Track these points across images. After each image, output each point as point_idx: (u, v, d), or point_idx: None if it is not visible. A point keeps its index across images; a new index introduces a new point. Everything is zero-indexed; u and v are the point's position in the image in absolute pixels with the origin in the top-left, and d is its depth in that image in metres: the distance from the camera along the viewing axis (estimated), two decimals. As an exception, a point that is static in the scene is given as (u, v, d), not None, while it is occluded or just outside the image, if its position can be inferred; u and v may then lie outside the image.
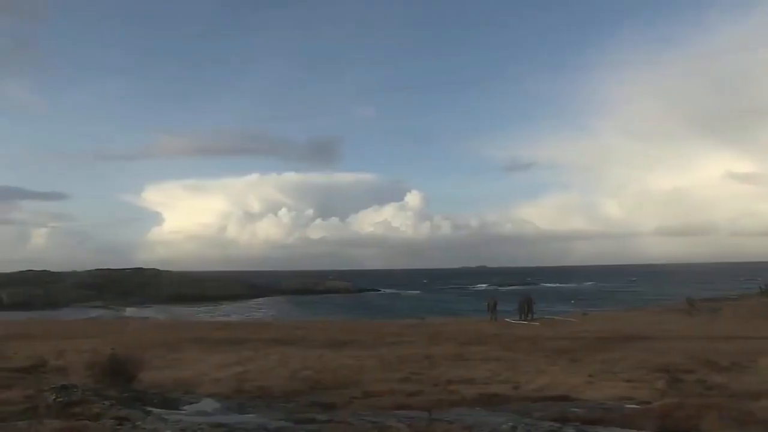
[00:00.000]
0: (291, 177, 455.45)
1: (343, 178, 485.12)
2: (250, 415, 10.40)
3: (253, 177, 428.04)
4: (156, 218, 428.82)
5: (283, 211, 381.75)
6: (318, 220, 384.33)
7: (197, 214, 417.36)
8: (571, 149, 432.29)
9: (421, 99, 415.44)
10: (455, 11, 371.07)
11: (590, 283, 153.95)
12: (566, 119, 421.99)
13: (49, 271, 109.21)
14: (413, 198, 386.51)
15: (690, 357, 21.22)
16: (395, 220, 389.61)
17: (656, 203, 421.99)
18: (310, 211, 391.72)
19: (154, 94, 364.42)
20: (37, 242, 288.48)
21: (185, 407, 10.71)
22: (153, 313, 62.53)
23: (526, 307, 41.34)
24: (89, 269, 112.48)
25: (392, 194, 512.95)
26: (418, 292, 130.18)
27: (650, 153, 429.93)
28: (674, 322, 36.14)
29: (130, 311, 71.99)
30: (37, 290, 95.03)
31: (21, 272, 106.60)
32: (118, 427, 7.66)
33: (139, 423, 8.02)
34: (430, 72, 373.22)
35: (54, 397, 9.07)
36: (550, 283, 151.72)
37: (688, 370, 18.46)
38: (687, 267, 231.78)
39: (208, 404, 11.36)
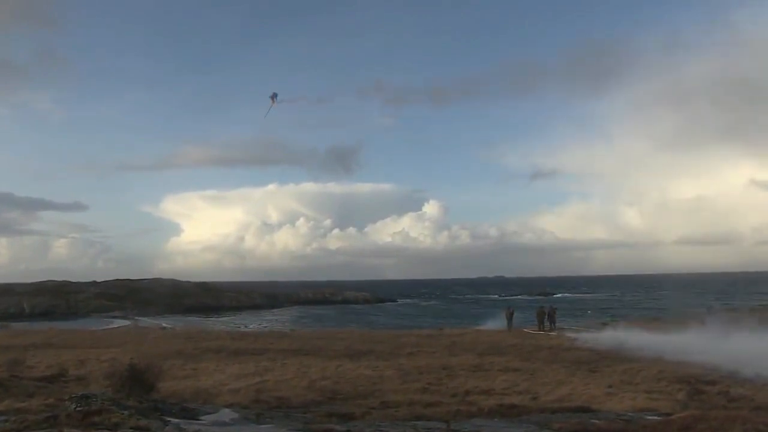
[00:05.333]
0: (309, 187, 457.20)
1: (361, 188, 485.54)
2: (268, 425, 10.41)
3: (272, 187, 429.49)
4: (175, 229, 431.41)
5: (301, 222, 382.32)
6: (336, 231, 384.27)
7: (216, 224, 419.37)
8: (591, 157, 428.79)
9: (440, 108, 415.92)
10: (475, 19, 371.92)
11: (610, 293, 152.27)
12: (587, 127, 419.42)
13: (69, 281, 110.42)
14: (431, 208, 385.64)
15: (711, 368, 20.93)
16: (413, 230, 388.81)
17: (679, 212, 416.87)
18: (327, 222, 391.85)
19: (174, 104, 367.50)
20: (58, 253, 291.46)
21: (203, 417, 10.74)
22: (172, 323, 62.86)
23: (546, 317, 41.01)
24: (109, 279, 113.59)
25: (410, 204, 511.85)
26: (437, 302, 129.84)
27: (673, 160, 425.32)
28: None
29: (148, 321, 72.41)
30: (58, 300, 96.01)
31: (42, 282, 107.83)
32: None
33: (158, 432, 8.07)
34: (449, 81, 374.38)
35: (74, 407, 9.14)
36: (569, 293, 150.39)
37: (710, 382, 18.21)
38: (710, 277, 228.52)
39: (226, 414, 11.39)
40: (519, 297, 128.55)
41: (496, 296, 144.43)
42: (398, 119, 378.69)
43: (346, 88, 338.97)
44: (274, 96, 38.23)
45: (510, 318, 41.41)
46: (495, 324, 44.19)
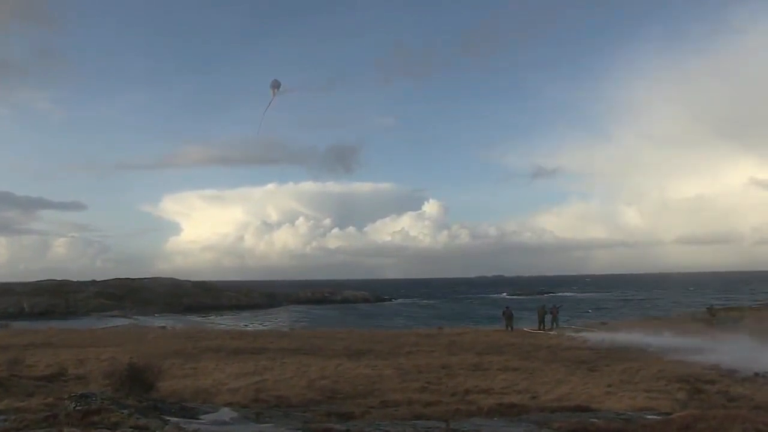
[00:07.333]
0: (308, 186, 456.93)
1: (361, 187, 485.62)
2: (268, 425, 10.41)
3: (271, 186, 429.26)
4: (174, 228, 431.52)
5: (300, 221, 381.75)
6: (335, 230, 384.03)
7: (215, 223, 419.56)
8: (592, 157, 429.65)
9: (440, 108, 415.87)
10: (475, 20, 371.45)
11: (610, 292, 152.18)
12: (587, 127, 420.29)
13: (69, 280, 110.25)
14: (431, 207, 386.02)
15: (711, 367, 20.94)
16: (413, 230, 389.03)
17: (678, 211, 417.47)
18: (327, 221, 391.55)
19: (173, 104, 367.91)
20: (58, 252, 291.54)
21: (203, 416, 10.74)
22: (171, 322, 62.75)
23: (547, 315, 41.02)
24: (108, 278, 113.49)
25: (410, 203, 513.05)
26: (436, 301, 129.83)
27: (672, 160, 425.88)
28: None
29: (148, 320, 72.37)
30: (57, 299, 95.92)
31: (41, 281, 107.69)
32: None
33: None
34: (449, 81, 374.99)
35: (74, 406, 9.13)
36: (569, 292, 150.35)
37: (710, 381, 18.22)
38: (710, 276, 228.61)
39: (226, 413, 11.39)
40: (523, 297, 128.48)
41: (496, 295, 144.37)
42: (397, 118, 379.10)
43: (348, 84, 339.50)
44: (276, 86, 35.98)
45: (509, 317, 41.34)
46: (494, 323, 44.02)
